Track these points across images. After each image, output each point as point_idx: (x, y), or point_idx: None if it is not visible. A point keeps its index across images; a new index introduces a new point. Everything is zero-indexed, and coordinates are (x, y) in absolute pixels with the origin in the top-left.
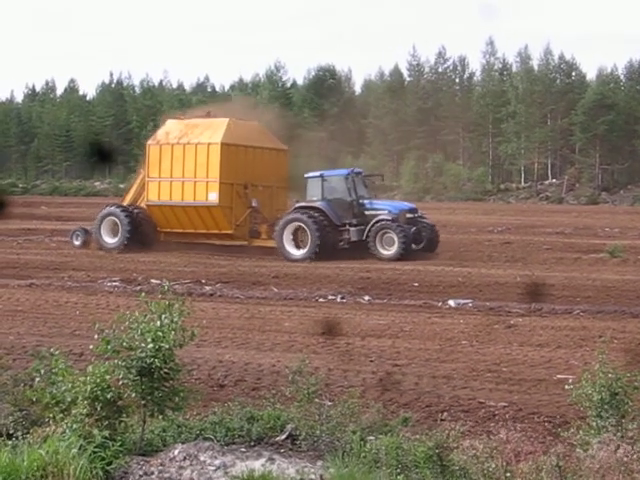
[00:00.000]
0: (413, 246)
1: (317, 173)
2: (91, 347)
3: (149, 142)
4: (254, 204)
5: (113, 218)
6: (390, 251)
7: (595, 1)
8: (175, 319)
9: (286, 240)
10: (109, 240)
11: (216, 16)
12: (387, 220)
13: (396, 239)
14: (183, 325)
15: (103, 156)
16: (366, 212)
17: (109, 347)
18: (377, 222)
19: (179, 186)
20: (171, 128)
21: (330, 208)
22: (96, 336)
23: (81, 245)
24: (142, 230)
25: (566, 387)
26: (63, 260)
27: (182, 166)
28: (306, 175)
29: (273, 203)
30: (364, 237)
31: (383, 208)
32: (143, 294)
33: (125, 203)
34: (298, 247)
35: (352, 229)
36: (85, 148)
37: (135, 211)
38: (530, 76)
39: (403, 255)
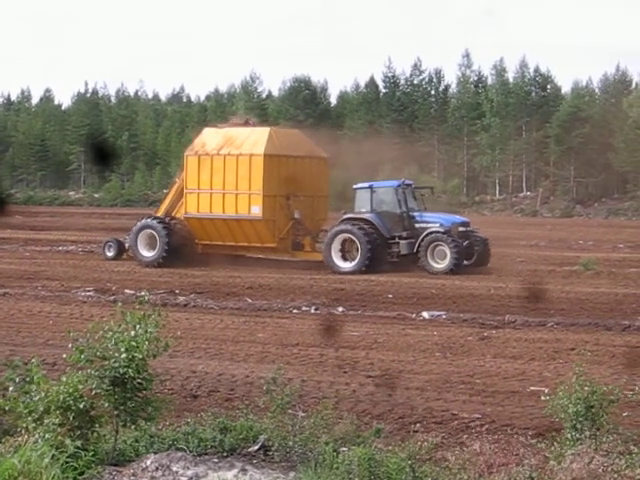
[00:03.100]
0: (465, 262)
1: (366, 184)
2: (64, 356)
3: (186, 153)
4: (296, 216)
5: (150, 231)
6: (442, 265)
7: (571, 15)
8: (150, 329)
9: (334, 252)
10: (146, 254)
11: (191, 27)
12: (439, 233)
13: (448, 252)
14: (157, 336)
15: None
16: (416, 225)
17: (82, 357)
18: (428, 235)
19: (220, 198)
20: (209, 138)
21: (380, 220)
22: (70, 345)
23: (114, 257)
24: (180, 243)
25: (542, 398)
26: (37, 269)
27: (222, 178)
28: (355, 186)
29: (314, 213)
30: (415, 250)
31: (435, 221)
32: (120, 304)
33: (159, 214)
34: (345, 260)
35: (402, 242)
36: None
37: (173, 223)
38: (505, 89)
39: (455, 269)
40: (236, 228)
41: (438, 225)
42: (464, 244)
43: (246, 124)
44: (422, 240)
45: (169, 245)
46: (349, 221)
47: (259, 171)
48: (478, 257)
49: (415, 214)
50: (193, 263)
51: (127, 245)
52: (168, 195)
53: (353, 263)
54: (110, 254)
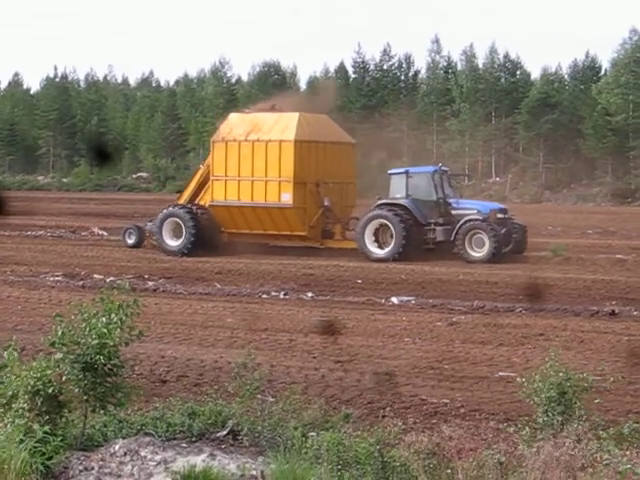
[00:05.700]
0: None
1: (402, 169)
2: (42, 338)
3: (213, 139)
4: (326, 203)
5: (175, 219)
6: (480, 253)
7: (541, 2)
8: (124, 318)
9: (367, 238)
10: (171, 242)
11: (160, 12)
12: (477, 220)
13: (487, 240)
14: (131, 324)
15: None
16: (453, 211)
17: (57, 341)
18: (466, 222)
19: (248, 186)
20: (235, 123)
21: (415, 206)
22: (54, 327)
23: (135, 244)
24: (206, 231)
25: (518, 380)
26: (5, 254)
27: (251, 164)
28: (390, 171)
29: (343, 200)
30: (452, 238)
31: (472, 207)
32: (103, 290)
33: (182, 201)
34: (379, 246)
35: (438, 229)
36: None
37: (199, 211)
38: (475, 74)
39: (494, 257)
40: (265, 216)
41: (476, 212)
42: (502, 231)
43: (272, 109)
44: (460, 228)
45: (195, 234)
46: (384, 206)
47: (290, 157)
48: (515, 244)
49: (452, 200)
50: (219, 252)
51: (148, 232)
52: (191, 182)
53: (387, 249)
54: (131, 241)
